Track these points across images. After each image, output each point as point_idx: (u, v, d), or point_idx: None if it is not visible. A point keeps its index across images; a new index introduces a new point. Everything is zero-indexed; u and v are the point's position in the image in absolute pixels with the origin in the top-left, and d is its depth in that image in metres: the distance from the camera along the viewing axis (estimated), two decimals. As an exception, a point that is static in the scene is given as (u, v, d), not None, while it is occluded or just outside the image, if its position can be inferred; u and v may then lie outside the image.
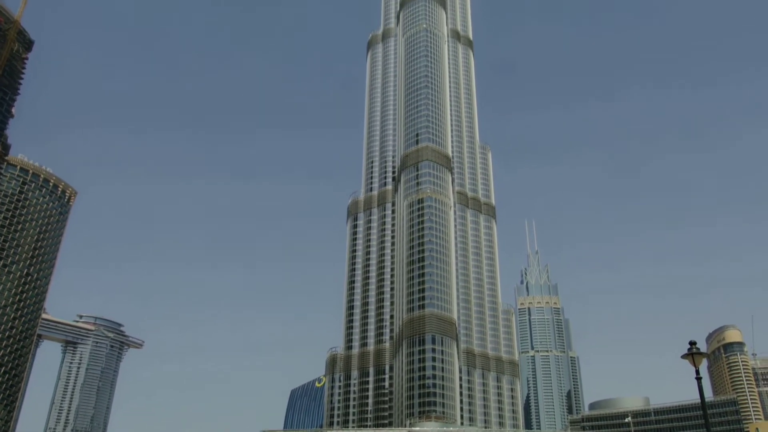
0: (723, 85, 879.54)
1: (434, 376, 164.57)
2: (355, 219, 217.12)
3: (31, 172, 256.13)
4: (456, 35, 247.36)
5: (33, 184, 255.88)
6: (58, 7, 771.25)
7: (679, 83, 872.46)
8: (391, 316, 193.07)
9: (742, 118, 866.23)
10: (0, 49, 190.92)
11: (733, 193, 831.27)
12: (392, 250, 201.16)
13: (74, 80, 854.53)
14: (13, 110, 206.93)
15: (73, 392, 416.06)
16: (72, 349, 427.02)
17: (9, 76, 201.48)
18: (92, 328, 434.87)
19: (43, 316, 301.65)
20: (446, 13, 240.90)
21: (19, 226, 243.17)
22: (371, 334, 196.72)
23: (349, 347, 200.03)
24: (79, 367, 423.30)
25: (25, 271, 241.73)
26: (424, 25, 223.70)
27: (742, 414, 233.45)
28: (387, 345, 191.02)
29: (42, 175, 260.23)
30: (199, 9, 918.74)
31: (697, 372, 29.16)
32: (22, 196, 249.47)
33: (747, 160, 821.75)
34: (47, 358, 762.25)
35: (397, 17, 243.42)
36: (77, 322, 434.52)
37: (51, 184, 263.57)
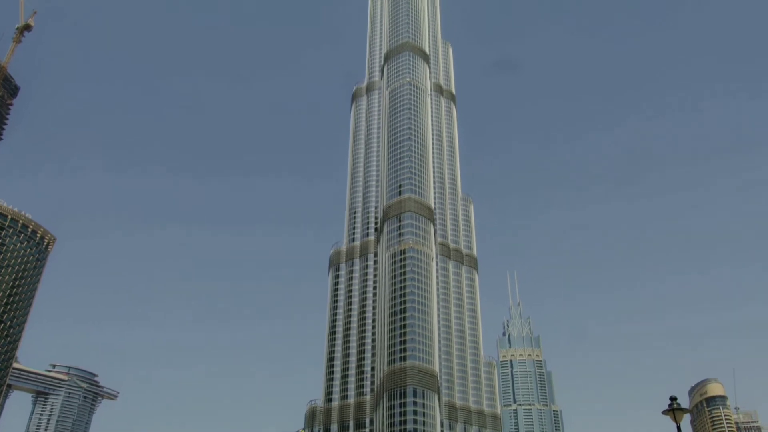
0: (711, 118, 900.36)
1: (415, 430, 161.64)
2: (337, 269, 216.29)
3: (9, 217, 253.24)
4: (439, 89, 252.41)
5: (11, 230, 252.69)
6: (46, 51, 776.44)
7: (660, 124, 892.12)
8: (372, 368, 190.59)
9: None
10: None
11: (715, 244, 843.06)
12: (374, 301, 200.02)
13: (58, 123, 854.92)
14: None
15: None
16: (43, 399, 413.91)
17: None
18: (65, 377, 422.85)
19: (14, 365, 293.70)
20: (429, 68, 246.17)
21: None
22: (352, 386, 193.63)
23: (329, 400, 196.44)
24: (49, 419, 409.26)
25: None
26: (408, 79, 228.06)
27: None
28: (368, 398, 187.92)
29: (21, 221, 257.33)
30: (183, 53, 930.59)
31: (679, 429, 29.05)
32: (0, 242, 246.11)
33: (731, 203, 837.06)
34: (17, 409, 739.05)
35: (381, 71, 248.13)
36: (50, 371, 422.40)
37: (30, 229, 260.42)
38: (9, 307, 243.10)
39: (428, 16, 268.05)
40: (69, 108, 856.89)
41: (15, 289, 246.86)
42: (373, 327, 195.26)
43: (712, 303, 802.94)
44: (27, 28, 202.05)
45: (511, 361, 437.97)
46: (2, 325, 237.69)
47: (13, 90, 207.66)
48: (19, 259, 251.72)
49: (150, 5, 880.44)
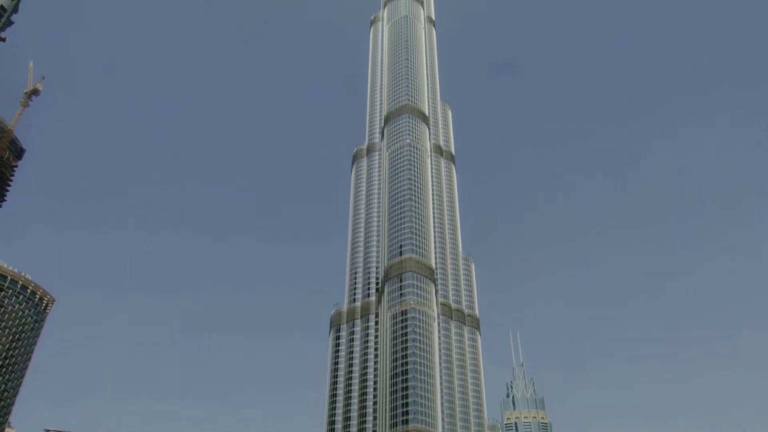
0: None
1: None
2: (338, 331, 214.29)
3: (9, 278, 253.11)
4: (438, 150, 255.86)
5: (10, 291, 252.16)
6: (52, 113, 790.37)
7: (669, 166, 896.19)
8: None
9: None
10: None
11: (734, 301, 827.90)
12: (375, 363, 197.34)
13: (61, 183, 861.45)
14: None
15: None
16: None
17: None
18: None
19: (7, 430, 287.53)
20: (429, 129, 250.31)
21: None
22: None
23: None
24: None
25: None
26: (408, 141, 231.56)
27: None
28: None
29: (20, 282, 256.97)
30: (185, 109, 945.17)
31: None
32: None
33: (750, 255, 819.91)
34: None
35: (382, 133, 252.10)
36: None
37: (29, 290, 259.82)
38: (5, 369, 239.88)
39: (427, 79, 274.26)
40: (72, 168, 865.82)
41: (12, 351, 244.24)
42: (375, 389, 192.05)
43: (726, 365, 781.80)
44: (35, 92, 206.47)
45: (515, 423, 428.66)
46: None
47: (18, 152, 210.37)
48: (17, 321, 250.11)
49: (156, 72, 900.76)
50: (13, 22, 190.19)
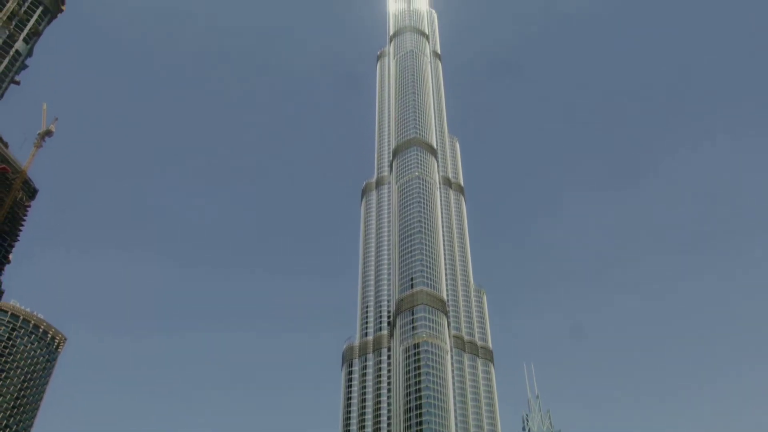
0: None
1: None
2: (350, 365, 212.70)
3: (21, 317, 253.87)
4: (447, 182, 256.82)
5: (22, 330, 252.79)
6: (65, 153, 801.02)
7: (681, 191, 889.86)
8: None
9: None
10: (4, 197, 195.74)
11: (755, 340, 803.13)
12: (389, 398, 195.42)
13: (74, 222, 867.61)
14: (11, 256, 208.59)
15: None
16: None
17: (10, 223, 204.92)
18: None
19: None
20: (437, 162, 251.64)
21: (3, 374, 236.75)
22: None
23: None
24: None
25: (4, 422, 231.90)
26: (417, 173, 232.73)
27: None
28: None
29: (32, 321, 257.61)
30: (195, 143, 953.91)
31: None
32: (10, 342, 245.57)
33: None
34: None
35: (390, 166, 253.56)
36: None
37: (41, 330, 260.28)
38: (16, 410, 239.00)
39: (434, 112, 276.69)
40: (85, 206, 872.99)
41: (23, 392, 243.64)
42: (389, 424, 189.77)
43: (742, 413, 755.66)
44: (48, 133, 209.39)
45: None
46: (8, 429, 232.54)
47: (31, 193, 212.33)
48: (29, 361, 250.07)
49: (167, 112, 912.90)
50: (28, 66, 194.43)
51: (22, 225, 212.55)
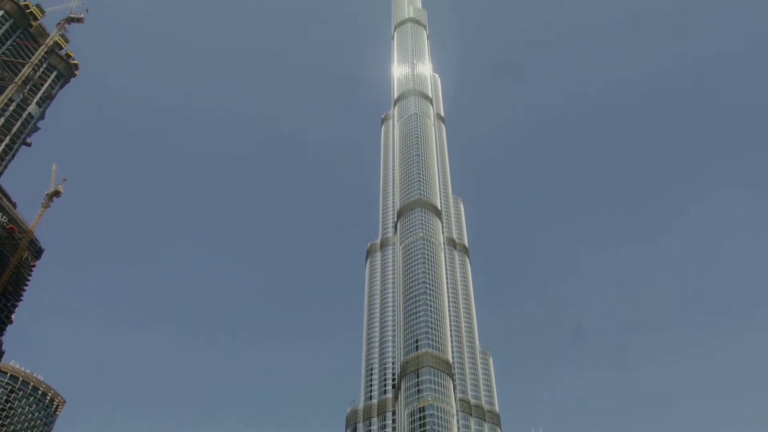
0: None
1: None
2: (354, 430, 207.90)
3: (21, 379, 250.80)
4: (452, 243, 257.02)
5: (21, 392, 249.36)
6: (72, 214, 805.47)
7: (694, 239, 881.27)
8: None
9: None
10: (10, 257, 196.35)
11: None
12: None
13: (78, 283, 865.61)
14: (13, 316, 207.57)
15: None
16: None
17: (14, 283, 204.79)
18: None
19: None
20: (442, 223, 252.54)
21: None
22: None
23: None
24: None
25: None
26: (421, 234, 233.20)
27: None
28: None
29: (32, 383, 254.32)
30: (199, 205, 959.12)
31: None
32: (8, 405, 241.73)
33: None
34: None
35: (395, 227, 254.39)
36: None
37: (40, 392, 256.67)
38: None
39: (438, 173, 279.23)
40: (89, 267, 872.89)
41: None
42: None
43: None
44: (56, 194, 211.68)
45: None
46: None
47: (37, 252, 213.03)
48: (27, 422, 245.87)
49: (172, 175, 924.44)
50: (39, 128, 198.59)
51: (26, 285, 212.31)
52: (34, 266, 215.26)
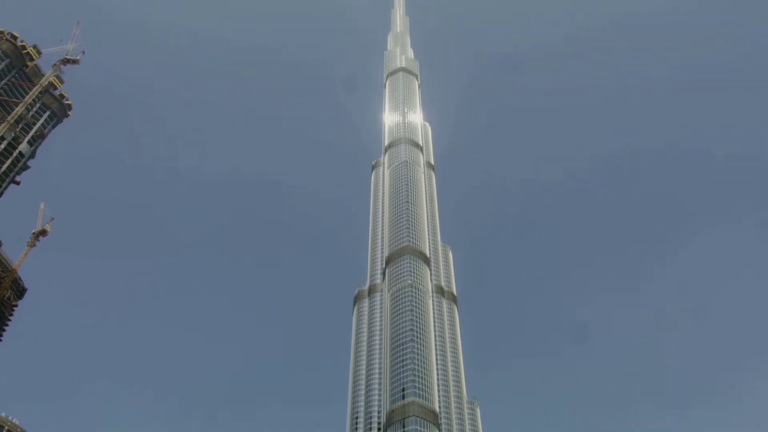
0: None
1: None
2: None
3: (6, 428, 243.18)
4: (440, 290, 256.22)
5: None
6: (58, 253, 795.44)
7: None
8: None
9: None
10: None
11: None
12: None
13: (59, 325, 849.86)
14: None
15: None
16: None
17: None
18: None
19: None
20: (430, 270, 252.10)
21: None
22: None
23: None
24: None
25: None
26: (409, 281, 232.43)
27: None
28: None
29: (6, 427, 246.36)
30: (183, 257, 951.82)
31: None
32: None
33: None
34: None
35: (383, 273, 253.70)
36: None
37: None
38: None
39: (428, 221, 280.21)
40: (71, 310, 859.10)
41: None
42: None
43: None
44: (43, 233, 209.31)
45: None
46: None
47: (20, 292, 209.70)
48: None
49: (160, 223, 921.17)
50: (29, 167, 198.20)
51: (8, 325, 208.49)
52: (15, 306, 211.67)
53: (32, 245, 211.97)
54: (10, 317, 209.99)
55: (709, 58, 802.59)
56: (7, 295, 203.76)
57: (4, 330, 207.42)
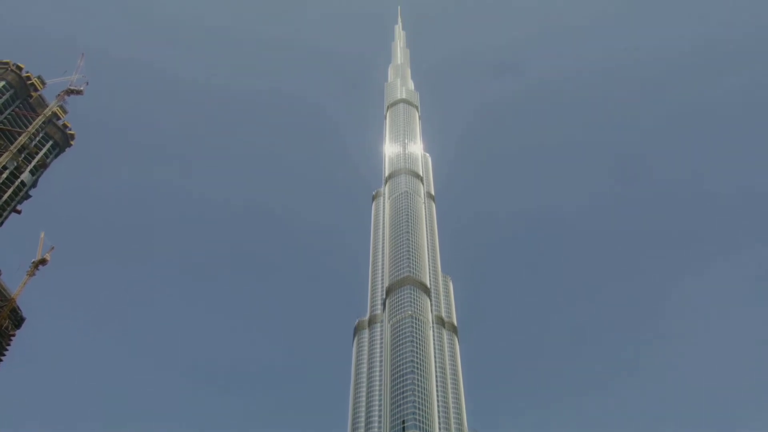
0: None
1: None
2: None
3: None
4: (441, 321, 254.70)
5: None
6: (57, 283, 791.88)
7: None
8: None
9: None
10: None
11: None
12: None
13: (57, 353, 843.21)
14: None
15: None
16: None
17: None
18: None
19: None
20: (431, 301, 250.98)
21: None
22: None
23: None
24: None
25: None
26: (410, 312, 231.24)
27: None
28: None
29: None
30: (187, 284, 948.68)
31: None
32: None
33: None
34: None
35: (383, 304, 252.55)
36: None
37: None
38: None
39: (428, 251, 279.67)
40: (70, 338, 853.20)
41: None
42: None
43: None
44: (42, 262, 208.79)
45: None
46: None
47: (18, 321, 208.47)
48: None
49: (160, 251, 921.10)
50: (31, 196, 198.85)
51: (5, 354, 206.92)
52: (13, 336, 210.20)
53: (32, 274, 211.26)
54: (8, 347, 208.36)
55: (701, 101, 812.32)
56: (5, 325, 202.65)
57: (1, 360, 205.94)
